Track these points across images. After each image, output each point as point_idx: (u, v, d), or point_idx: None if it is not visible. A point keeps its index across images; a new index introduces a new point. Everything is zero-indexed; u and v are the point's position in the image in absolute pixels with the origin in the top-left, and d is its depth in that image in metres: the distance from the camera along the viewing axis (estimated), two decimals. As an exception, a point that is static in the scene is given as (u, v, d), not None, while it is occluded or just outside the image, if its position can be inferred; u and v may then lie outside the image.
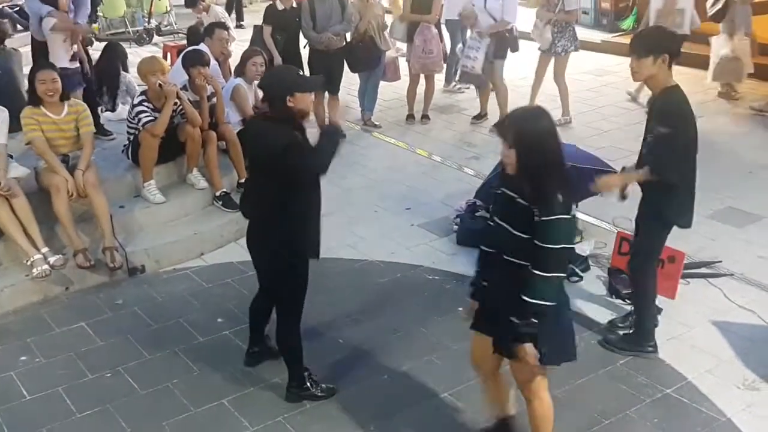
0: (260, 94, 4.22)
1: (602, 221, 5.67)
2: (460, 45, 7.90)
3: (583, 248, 5.19)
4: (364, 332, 4.37)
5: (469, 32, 7.72)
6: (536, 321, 2.89)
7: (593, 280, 4.93)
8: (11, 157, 5.08)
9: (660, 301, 4.34)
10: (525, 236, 2.88)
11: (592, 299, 4.72)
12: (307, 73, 6.91)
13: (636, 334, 4.18)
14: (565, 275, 2.94)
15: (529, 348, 2.93)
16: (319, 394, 3.84)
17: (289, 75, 3.70)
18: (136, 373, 4.10)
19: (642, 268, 4.10)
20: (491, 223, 3.10)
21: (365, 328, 4.43)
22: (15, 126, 5.07)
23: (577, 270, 4.93)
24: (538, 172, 2.85)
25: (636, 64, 3.74)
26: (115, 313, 4.70)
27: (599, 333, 4.34)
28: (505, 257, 2.99)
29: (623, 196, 4.02)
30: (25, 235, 4.78)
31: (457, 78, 8.27)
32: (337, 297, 4.75)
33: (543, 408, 3.20)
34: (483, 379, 3.41)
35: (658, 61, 3.69)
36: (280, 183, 3.45)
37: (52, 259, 4.80)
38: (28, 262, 4.76)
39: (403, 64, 8.22)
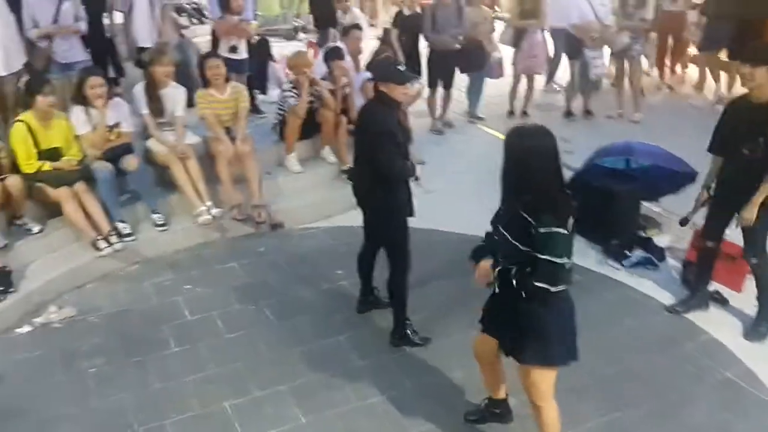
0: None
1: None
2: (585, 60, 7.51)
3: (661, 241, 4.98)
4: (462, 295, 4.29)
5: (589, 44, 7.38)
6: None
7: (668, 270, 4.71)
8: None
9: (727, 293, 4.16)
10: (522, 247, 2.58)
11: (664, 287, 4.51)
12: (425, 70, 6.89)
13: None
14: (553, 288, 2.55)
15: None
16: (417, 341, 3.90)
17: (384, 66, 3.59)
18: (272, 308, 4.27)
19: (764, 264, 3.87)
20: (495, 232, 2.75)
21: (463, 291, 4.35)
22: (188, 102, 5.32)
23: (653, 259, 4.74)
24: (520, 185, 2.59)
25: (750, 71, 3.53)
26: (259, 259, 4.90)
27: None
28: (507, 266, 2.68)
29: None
30: (194, 191, 5.04)
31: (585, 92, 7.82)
32: (442, 264, 4.67)
33: (551, 413, 2.86)
34: (482, 369, 3.14)
35: None
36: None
37: (214, 211, 5.03)
38: (195, 212, 5.02)
39: (507, 64, 8.04)
